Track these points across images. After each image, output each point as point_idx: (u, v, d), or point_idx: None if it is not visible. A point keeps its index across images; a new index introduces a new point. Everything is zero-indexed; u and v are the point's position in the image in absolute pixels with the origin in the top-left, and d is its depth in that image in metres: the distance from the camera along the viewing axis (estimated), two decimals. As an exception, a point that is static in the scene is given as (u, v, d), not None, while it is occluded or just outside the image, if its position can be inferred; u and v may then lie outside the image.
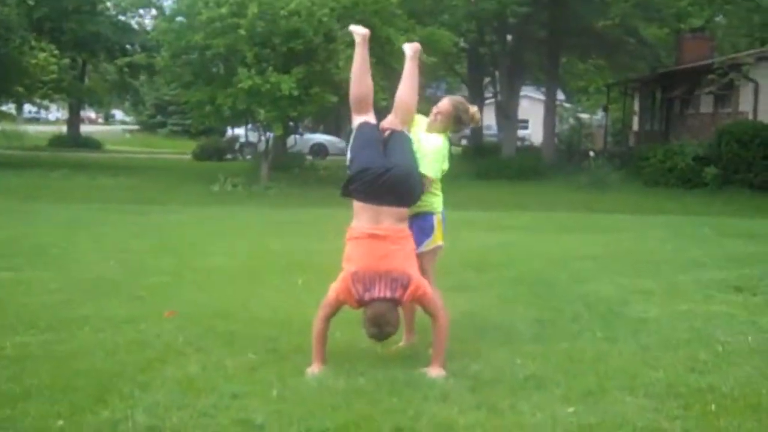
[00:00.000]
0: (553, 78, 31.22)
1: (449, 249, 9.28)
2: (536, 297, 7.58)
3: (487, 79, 38.28)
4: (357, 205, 5.29)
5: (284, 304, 7.12)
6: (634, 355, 5.57)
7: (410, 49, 5.66)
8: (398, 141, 5.44)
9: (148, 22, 23.56)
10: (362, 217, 5.26)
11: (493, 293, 7.74)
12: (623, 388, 4.82)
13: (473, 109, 5.72)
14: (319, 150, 36.86)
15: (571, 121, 42.22)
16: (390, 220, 5.21)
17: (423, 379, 4.95)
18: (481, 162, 27.57)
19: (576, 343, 5.87)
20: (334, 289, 5.15)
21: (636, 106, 36.06)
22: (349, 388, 4.74)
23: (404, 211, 5.31)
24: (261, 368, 5.13)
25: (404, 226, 5.31)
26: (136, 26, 26.52)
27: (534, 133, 39.05)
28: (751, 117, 22.72)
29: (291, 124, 24.32)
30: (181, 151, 37.25)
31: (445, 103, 5.65)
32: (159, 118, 55.12)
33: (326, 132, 40.86)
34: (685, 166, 22.03)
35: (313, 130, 40.59)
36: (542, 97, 40.27)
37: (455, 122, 5.68)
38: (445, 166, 5.65)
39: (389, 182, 5.19)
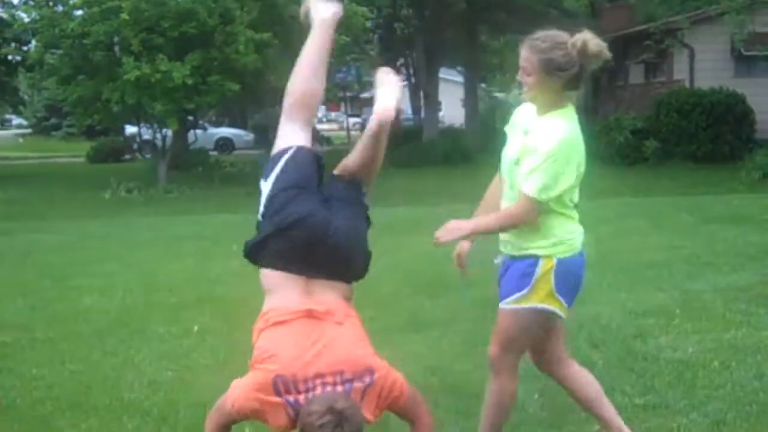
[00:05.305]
0: (474, 55, 29.43)
1: (390, 265, 7.15)
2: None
3: (400, 61, 36.10)
4: (273, 276, 3.15)
5: (167, 372, 4.97)
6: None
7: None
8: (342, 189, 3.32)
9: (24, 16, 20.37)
10: (285, 291, 3.11)
11: (460, 331, 5.69)
12: None
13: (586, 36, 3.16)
14: (225, 145, 34.47)
15: (487, 100, 40.52)
16: (329, 292, 3.12)
17: None
18: (402, 148, 23.84)
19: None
20: (239, 395, 2.92)
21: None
22: None
23: (348, 288, 3.23)
24: None
25: (350, 304, 3.22)
26: (5, 16, 23.06)
27: (447, 114, 37.41)
28: (687, 85, 21.14)
29: (190, 118, 21.92)
30: (76, 153, 34.27)
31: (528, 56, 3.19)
32: (53, 120, 51.62)
33: (232, 125, 38.40)
34: (624, 141, 20.35)
35: (218, 124, 38.15)
36: (453, 77, 38.54)
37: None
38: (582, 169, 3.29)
39: (330, 244, 3.10)
